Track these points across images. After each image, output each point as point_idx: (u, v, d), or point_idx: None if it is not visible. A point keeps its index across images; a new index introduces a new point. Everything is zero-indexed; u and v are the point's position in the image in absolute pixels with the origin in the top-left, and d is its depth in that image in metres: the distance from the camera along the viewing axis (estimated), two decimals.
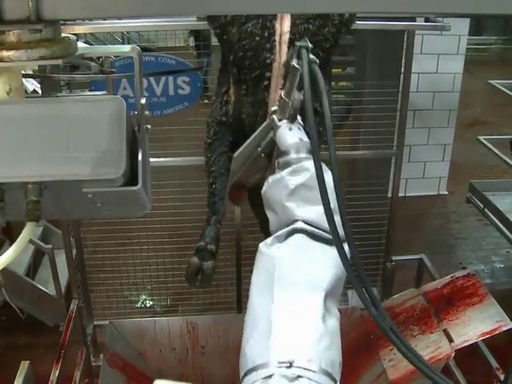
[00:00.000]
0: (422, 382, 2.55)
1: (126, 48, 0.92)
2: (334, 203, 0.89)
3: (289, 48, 1.96)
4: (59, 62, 0.79)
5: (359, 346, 2.79)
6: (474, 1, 0.73)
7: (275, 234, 1.08)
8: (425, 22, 2.62)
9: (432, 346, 2.55)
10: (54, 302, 3.44)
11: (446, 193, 5.67)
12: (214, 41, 2.36)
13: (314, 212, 1.07)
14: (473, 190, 3.65)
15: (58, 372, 2.45)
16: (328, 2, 0.72)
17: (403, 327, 2.72)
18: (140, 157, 0.85)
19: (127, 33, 8.42)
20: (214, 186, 2.25)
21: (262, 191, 1.17)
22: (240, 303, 3.15)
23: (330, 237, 0.92)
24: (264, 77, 1.99)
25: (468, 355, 2.77)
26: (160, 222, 3.31)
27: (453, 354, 2.46)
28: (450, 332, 2.56)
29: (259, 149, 1.26)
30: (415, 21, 2.65)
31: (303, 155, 1.12)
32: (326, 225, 0.91)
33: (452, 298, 2.71)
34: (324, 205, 0.88)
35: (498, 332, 2.44)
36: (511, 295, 3.61)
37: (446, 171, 5.60)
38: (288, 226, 1.10)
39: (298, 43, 1.06)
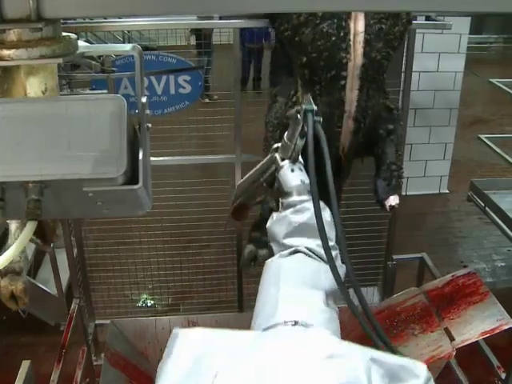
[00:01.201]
0: None
1: (127, 47, 0.92)
2: (333, 238, 1.06)
3: (364, 48, 1.96)
4: (60, 60, 0.79)
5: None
6: None
7: (279, 253, 1.21)
8: (426, 20, 2.61)
9: (433, 345, 2.54)
10: (55, 302, 3.43)
11: (447, 191, 5.67)
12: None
13: (314, 243, 1.18)
14: (474, 188, 3.64)
15: (59, 371, 2.45)
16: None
17: (404, 326, 2.71)
18: (141, 156, 0.85)
19: (128, 32, 8.42)
20: None
21: (268, 225, 1.31)
22: (241, 302, 3.15)
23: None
24: (340, 76, 2.00)
25: (469, 354, 2.77)
26: (161, 221, 3.31)
27: (454, 353, 2.46)
28: (451, 331, 2.56)
29: (261, 179, 1.38)
30: (416, 19, 2.64)
31: (305, 197, 1.24)
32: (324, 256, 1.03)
33: (453, 297, 2.70)
34: (322, 240, 0.99)
35: (498, 331, 2.44)
36: None
37: (447, 170, 5.60)
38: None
39: (303, 106, 1.13)
